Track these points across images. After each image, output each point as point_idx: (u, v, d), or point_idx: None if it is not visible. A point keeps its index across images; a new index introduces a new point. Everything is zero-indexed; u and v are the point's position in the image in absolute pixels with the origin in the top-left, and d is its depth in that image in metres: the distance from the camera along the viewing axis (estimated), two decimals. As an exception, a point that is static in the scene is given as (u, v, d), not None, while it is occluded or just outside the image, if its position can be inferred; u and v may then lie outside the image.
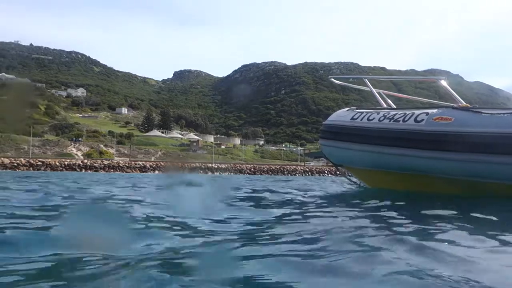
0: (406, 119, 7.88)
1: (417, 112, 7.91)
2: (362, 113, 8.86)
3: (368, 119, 8.54)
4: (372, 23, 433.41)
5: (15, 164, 57.71)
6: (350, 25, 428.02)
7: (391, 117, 8.18)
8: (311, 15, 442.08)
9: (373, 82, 9.70)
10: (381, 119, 8.30)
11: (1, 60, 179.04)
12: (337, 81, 10.88)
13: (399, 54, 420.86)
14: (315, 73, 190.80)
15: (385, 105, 9.15)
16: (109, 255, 2.27)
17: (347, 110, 9.51)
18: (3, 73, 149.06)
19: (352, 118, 8.90)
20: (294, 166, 79.47)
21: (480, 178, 7.20)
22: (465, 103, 7.98)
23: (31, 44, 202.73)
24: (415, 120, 7.73)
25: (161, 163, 69.79)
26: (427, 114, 7.71)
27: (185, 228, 3.35)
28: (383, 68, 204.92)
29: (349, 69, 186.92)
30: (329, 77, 10.85)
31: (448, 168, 7.41)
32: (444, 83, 8.33)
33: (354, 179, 10.06)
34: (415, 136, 7.60)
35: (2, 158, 59.91)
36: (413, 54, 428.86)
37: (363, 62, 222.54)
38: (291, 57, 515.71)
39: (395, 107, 9.21)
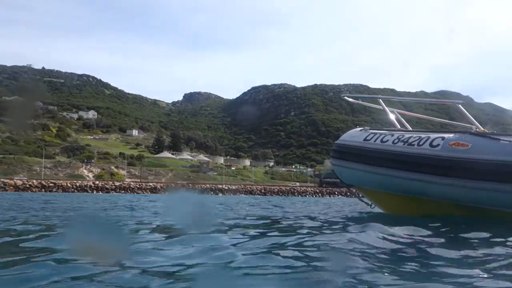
0: (421, 143, 7.66)
1: (432, 136, 7.70)
2: (375, 134, 8.68)
3: (381, 141, 8.35)
4: (381, 45, 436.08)
5: (28, 186, 57.88)
6: (359, 47, 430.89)
7: (405, 140, 7.96)
8: (320, 37, 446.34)
9: (384, 103, 9.63)
10: (395, 141, 8.10)
11: (13, 83, 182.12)
12: (350, 99, 10.81)
13: (408, 76, 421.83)
14: (325, 95, 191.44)
15: (399, 126, 8.95)
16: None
17: (360, 130, 9.33)
18: (16, 96, 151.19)
19: (365, 139, 8.71)
20: (305, 188, 79.10)
21: (496, 206, 6.95)
22: (482, 128, 7.76)
23: (43, 68, 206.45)
24: (431, 145, 7.50)
25: (172, 184, 69.77)
26: (443, 138, 7.47)
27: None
28: (392, 90, 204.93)
29: (359, 91, 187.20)
30: (342, 95, 10.76)
31: (463, 195, 7.15)
32: (461, 107, 8.11)
33: (366, 200, 9.85)
34: (430, 162, 7.36)
35: (15, 180, 60.23)
36: (422, 76, 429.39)
37: (372, 84, 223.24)
38: (300, 79, 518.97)
39: (410, 128, 9.07)
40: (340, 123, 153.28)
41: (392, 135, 8.32)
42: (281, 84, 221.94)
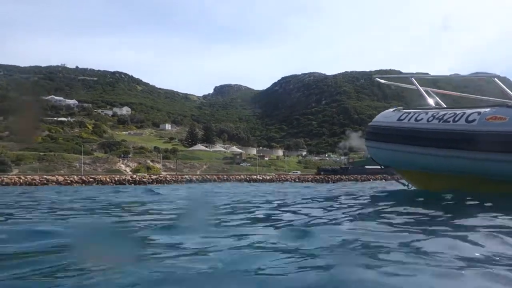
0: (456, 119, 7.48)
1: (468, 111, 7.49)
2: (409, 113, 8.54)
3: (415, 120, 8.22)
4: (413, 29, 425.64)
5: (69, 181, 59.72)
6: (391, 32, 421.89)
7: (440, 117, 7.80)
8: (350, 24, 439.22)
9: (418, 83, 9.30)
10: (429, 119, 7.95)
11: (49, 83, 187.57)
12: (382, 81, 10.73)
13: (442, 59, 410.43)
14: (356, 82, 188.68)
15: (433, 105, 8.75)
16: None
17: (393, 110, 9.17)
18: (52, 96, 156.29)
19: (399, 119, 8.58)
20: (338, 176, 78.58)
21: None
22: None
23: (76, 67, 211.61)
24: (467, 120, 7.32)
25: (207, 176, 70.54)
26: (479, 113, 7.27)
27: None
28: (425, 74, 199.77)
29: (397, 79, 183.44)
30: (374, 76, 10.71)
31: (503, 170, 6.90)
32: (497, 80, 7.88)
33: (403, 181, 9.69)
34: (467, 137, 7.17)
35: (57, 176, 62.22)
36: (456, 59, 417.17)
37: (404, 69, 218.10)
38: (330, 67, 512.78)
39: (445, 106, 8.80)
40: (372, 110, 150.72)
41: (426, 113, 8.19)
42: (311, 73, 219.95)
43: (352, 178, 75.89)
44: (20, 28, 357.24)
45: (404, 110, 8.75)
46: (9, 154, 76.61)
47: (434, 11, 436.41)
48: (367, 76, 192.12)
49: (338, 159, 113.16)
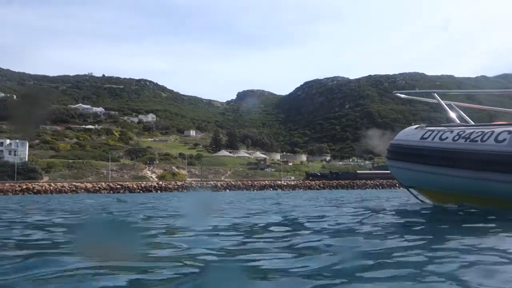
0: (484, 139, 7.00)
1: (497, 130, 7.00)
2: (432, 131, 8.12)
3: (440, 139, 7.79)
4: (437, 30, 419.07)
5: (97, 188, 61.06)
6: (414, 35, 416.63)
7: (467, 136, 7.32)
8: (373, 28, 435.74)
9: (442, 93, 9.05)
10: (455, 138, 7.50)
11: (77, 91, 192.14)
12: (402, 96, 10.18)
13: (467, 60, 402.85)
14: (380, 85, 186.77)
15: (458, 121, 8.33)
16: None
17: (416, 128, 8.75)
18: (80, 104, 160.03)
19: (422, 137, 8.19)
20: (364, 181, 77.89)
21: None
22: None
23: (103, 75, 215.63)
24: (496, 140, 6.84)
25: (232, 182, 70.99)
26: (509, 132, 6.80)
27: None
28: (450, 76, 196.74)
29: (415, 79, 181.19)
30: (394, 92, 10.19)
31: None
32: None
33: (427, 200, 9.23)
34: (497, 158, 6.72)
35: (85, 183, 63.68)
36: (483, 59, 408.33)
37: (429, 71, 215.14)
38: (353, 71, 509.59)
39: (472, 122, 8.38)
40: (396, 114, 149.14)
41: (452, 131, 7.78)
42: (334, 77, 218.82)
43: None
44: (49, 39, 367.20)
45: (428, 128, 8.40)
46: (40, 162, 78.72)
47: (458, 12, 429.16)
48: (391, 80, 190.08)
49: (362, 163, 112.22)
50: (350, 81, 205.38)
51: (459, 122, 8.43)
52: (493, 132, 7.11)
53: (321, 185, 73.29)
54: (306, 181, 77.25)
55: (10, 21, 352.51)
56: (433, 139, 8.01)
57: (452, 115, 8.51)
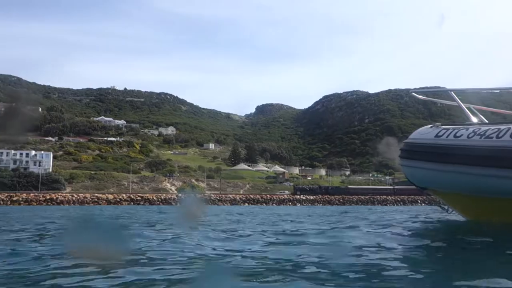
0: (500, 135, 6.85)
1: None
2: (447, 129, 7.95)
3: (455, 136, 7.60)
4: (456, 44, 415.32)
5: (118, 200, 61.79)
6: (434, 48, 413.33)
7: (482, 133, 7.16)
8: (394, 42, 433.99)
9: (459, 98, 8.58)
10: (470, 135, 7.31)
11: (100, 104, 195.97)
12: (419, 96, 10.03)
13: (489, 74, 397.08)
14: (400, 99, 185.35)
15: (474, 120, 8.17)
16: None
17: (431, 126, 8.61)
18: (102, 116, 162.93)
19: (437, 136, 7.99)
20: (385, 196, 77.06)
21: None
22: None
23: (125, 88, 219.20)
24: None
25: (250, 195, 71.06)
26: None
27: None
28: (466, 88, 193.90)
29: (436, 93, 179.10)
30: (410, 91, 10.07)
31: None
32: None
33: (442, 204, 8.97)
34: None
35: (107, 194, 64.54)
36: (504, 72, 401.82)
37: (450, 86, 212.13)
38: (373, 85, 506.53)
39: (486, 121, 8.21)
40: (417, 128, 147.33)
41: (467, 129, 7.60)
42: (354, 91, 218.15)
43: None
44: (73, 53, 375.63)
45: (443, 126, 8.20)
46: (63, 173, 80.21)
47: (483, 25, 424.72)
48: (412, 93, 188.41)
49: (383, 179, 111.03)
50: (369, 95, 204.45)
51: (475, 121, 8.20)
52: (509, 128, 6.92)
53: (341, 200, 72.71)
54: (295, 196, 74.53)
55: (37, 36, 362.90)
56: (447, 136, 7.81)
57: (472, 117, 8.30)
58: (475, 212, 7.82)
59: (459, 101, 8.40)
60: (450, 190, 8.09)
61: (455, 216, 8.86)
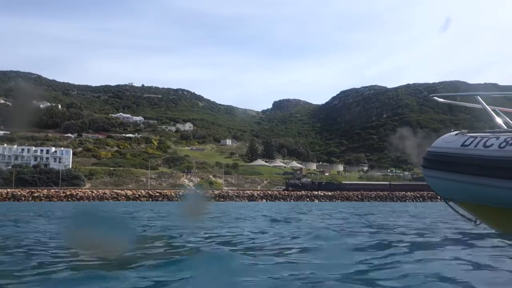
0: None
1: None
2: (475, 137, 7.36)
3: (484, 146, 7.03)
4: (478, 40, 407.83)
5: (137, 196, 62.32)
6: (454, 43, 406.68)
7: None
8: (412, 36, 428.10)
9: (485, 99, 8.28)
10: (501, 145, 6.78)
11: (117, 101, 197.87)
12: (441, 100, 9.41)
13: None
14: (419, 94, 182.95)
15: (505, 127, 7.59)
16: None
17: (456, 134, 7.92)
18: (121, 113, 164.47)
19: (463, 145, 7.40)
20: (404, 192, 76.16)
21: None
22: None
23: (142, 85, 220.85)
24: None
25: (268, 191, 70.95)
26: None
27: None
28: (494, 85, 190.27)
29: (456, 88, 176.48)
30: (431, 95, 9.44)
31: None
32: None
33: (468, 215, 8.69)
34: None
35: (126, 190, 65.16)
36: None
37: (471, 80, 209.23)
38: (391, 80, 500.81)
39: None
40: (437, 123, 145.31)
41: (498, 137, 7.05)
42: (371, 86, 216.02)
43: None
44: (92, 51, 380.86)
45: (469, 134, 7.61)
46: (83, 169, 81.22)
47: (502, 17, 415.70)
48: (431, 88, 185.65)
49: (401, 174, 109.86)
50: (387, 90, 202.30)
51: (506, 128, 7.60)
52: None
53: (359, 196, 72.07)
54: (286, 192, 73.05)
55: (56, 34, 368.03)
56: (475, 146, 7.25)
57: (499, 120, 7.74)
58: (505, 224, 7.39)
59: (486, 106, 7.77)
60: (478, 202, 7.60)
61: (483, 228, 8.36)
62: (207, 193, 60.17)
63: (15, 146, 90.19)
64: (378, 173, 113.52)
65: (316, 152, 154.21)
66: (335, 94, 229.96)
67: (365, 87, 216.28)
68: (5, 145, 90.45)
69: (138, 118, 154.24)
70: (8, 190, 59.71)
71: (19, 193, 58.14)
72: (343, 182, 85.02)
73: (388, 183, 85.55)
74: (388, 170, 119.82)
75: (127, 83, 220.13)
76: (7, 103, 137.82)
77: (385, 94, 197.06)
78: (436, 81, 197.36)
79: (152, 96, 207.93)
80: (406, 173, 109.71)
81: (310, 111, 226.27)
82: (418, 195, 73.89)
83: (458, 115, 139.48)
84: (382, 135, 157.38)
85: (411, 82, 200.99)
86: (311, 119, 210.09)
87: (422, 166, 8.52)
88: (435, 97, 8.98)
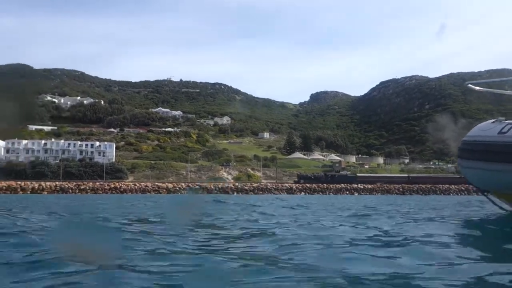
0: None
1: None
2: None
3: None
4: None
5: (177, 188, 63.46)
6: (502, 29, 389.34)
7: None
8: (454, 21, 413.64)
9: None
10: None
11: (157, 96, 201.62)
12: (477, 88, 8.87)
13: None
14: (463, 84, 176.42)
15: None
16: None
17: (493, 122, 7.63)
18: (160, 108, 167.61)
19: (501, 132, 7.07)
20: (447, 185, 73.88)
21: None
22: None
23: (180, 80, 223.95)
24: None
25: (307, 184, 70.57)
26: None
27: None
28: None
29: (503, 75, 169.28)
30: (466, 83, 8.90)
31: None
32: None
33: (506, 207, 7.89)
34: None
35: (167, 183, 66.47)
36: None
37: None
38: (433, 69, 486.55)
39: None
40: (483, 114, 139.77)
41: None
42: (412, 76, 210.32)
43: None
44: (132, 47, 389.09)
45: (507, 121, 7.31)
46: (125, 163, 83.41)
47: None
48: (476, 77, 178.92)
49: (445, 166, 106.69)
50: (429, 80, 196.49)
51: None
52: None
53: (400, 189, 70.52)
54: (297, 185, 71.07)
55: (98, 32, 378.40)
56: None
57: None
58: None
59: None
60: None
61: None
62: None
63: (62, 141, 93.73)
64: (420, 166, 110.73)
65: (355, 144, 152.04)
66: (374, 85, 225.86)
67: (405, 77, 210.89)
68: (52, 140, 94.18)
69: (177, 113, 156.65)
70: (57, 183, 62.29)
71: (67, 185, 60.48)
72: (357, 174, 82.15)
73: (406, 175, 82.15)
74: (431, 163, 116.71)
75: (166, 78, 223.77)
76: (54, 100, 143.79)
77: (426, 84, 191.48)
78: (482, 69, 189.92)
79: (190, 91, 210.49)
80: (450, 165, 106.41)
81: (349, 103, 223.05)
82: (463, 188, 71.56)
83: (506, 106, 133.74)
84: (424, 126, 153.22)
85: (454, 71, 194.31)
86: (349, 111, 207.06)
87: (458, 156, 8.38)
88: (470, 85, 8.56)
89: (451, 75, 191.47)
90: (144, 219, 8.79)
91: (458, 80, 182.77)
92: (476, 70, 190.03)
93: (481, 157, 7.35)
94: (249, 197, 38.06)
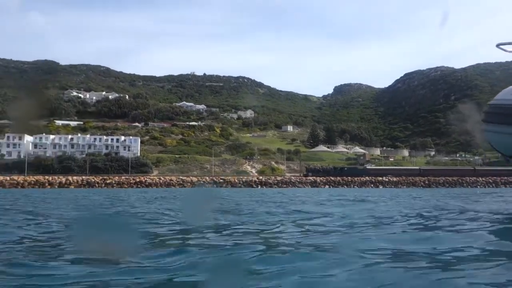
0: None
1: None
2: None
3: None
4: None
5: (202, 182, 64.15)
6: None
7: None
8: (480, 9, 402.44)
9: None
10: None
11: (181, 90, 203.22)
12: (508, 49, 8.48)
13: None
14: (489, 74, 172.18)
15: None
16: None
17: None
18: (184, 102, 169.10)
19: None
20: (474, 178, 72.57)
21: None
22: None
23: (204, 74, 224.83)
24: None
25: (331, 178, 70.33)
26: None
27: None
28: None
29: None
30: (497, 44, 8.43)
31: None
32: None
33: None
34: None
35: (191, 177, 67.25)
36: None
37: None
38: (459, 60, 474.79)
39: None
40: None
41: None
42: (437, 67, 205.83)
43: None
44: (156, 42, 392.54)
45: None
46: (150, 157, 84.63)
47: None
48: (504, 67, 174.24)
49: (471, 159, 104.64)
50: (455, 70, 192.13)
51: None
52: None
53: (426, 182, 69.62)
54: (305, 178, 70.45)
55: (123, 27, 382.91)
56: None
57: None
58: None
59: None
60: None
61: None
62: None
63: (88, 136, 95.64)
64: (446, 158, 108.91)
65: (380, 137, 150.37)
66: (398, 77, 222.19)
67: (430, 69, 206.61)
68: (79, 134, 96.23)
69: (201, 107, 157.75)
70: (83, 177, 63.74)
71: (93, 180, 61.82)
72: (367, 167, 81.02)
73: (418, 167, 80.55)
74: (457, 155, 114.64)
75: (189, 73, 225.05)
76: (79, 95, 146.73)
77: (452, 75, 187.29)
78: (510, 60, 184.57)
79: (213, 85, 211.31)
80: (476, 157, 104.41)
81: (373, 95, 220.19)
82: (490, 180, 70.22)
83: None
84: (450, 118, 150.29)
85: (481, 62, 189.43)
86: (373, 103, 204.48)
87: (483, 121, 8.07)
88: (501, 46, 8.15)
89: (477, 66, 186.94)
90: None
91: (485, 71, 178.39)
92: (503, 61, 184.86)
93: (508, 121, 7.15)
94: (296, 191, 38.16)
